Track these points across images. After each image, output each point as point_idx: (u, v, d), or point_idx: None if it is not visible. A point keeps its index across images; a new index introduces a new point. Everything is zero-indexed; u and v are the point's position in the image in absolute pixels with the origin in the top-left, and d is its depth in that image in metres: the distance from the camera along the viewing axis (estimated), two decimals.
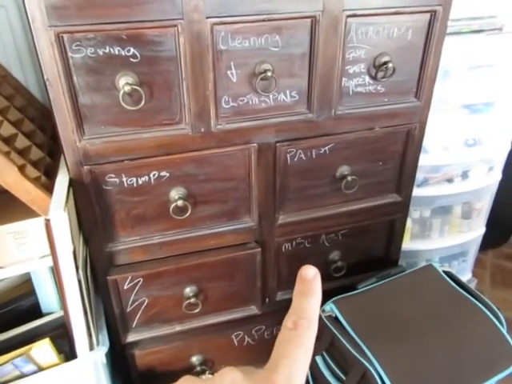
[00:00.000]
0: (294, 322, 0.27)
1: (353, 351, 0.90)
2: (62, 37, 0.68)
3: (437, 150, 1.24)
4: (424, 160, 1.13)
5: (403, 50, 0.87)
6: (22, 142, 0.81)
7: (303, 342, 0.26)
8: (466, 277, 1.54)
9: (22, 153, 0.79)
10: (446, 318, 0.97)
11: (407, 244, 1.33)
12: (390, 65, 0.85)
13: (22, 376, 0.84)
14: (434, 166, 1.26)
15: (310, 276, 0.28)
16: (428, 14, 0.85)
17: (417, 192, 1.20)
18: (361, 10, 0.80)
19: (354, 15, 0.80)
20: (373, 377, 0.85)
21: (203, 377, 0.28)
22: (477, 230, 1.44)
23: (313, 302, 0.28)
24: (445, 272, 1.10)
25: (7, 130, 0.79)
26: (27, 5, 0.64)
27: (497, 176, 1.36)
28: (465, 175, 1.31)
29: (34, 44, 0.68)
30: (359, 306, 1.01)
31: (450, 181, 1.30)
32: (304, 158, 0.93)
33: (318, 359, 0.99)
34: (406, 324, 0.96)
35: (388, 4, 0.81)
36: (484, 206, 1.41)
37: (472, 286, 1.52)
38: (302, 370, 0.26)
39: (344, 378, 0.92)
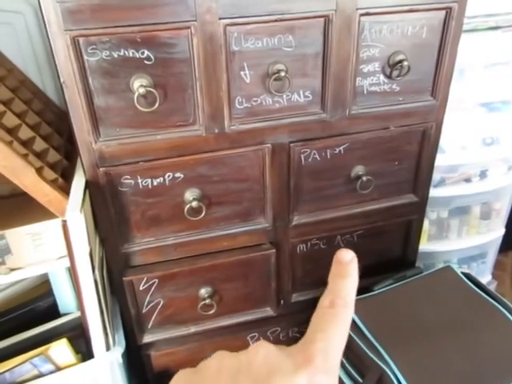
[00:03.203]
0: (330, 301, 0.27)
1: (370, 353, 0.89)
2: (78, 40, 0.69)
3: (454, 150, 1.22)
4: (441, 160, 1.11)
5: (418, 48, 0.86)
6: (39, 144, 0.82)
7: (340, 320, 0.26)
8: (485, 279, 1.51)
9: (40, 155, 0.81)
10: (464, 320, 0.95)
11: (424, 245, 1.31)
12: (405, 63, 0.84)
13: (40, 375, 0.86)
14: (451, 166, 1.24)
15: (347, 259, 0.28)
16: (443, 12, 0.84)
17: (434, 192, 1.18)
18: (374, 8, 0.79)
19: (368, 14, 0.80)
20: (390, 380, 0.84)
21: None
22: (496, 231, 1.41)
23: (349, 282, 0.28)
24: (463, 274, 1.08)
25: (25, 133, 0.80)
26: (43, 9, 0.66)
27: None
28: (483, 175, 1.28)
29: (51, 48, 0.69)
30: (376, 307, 1.00)
31: (467, 181, 1.28)
32: (318, 159, 0.92)
33: None
34: (423, 326, 0.94)
35: (402, 2, 0.80)
36: (503, 206, 1.38)
37: (491, 288, 1.49)
38: (339, 346, 0.25)
39: (361, 381, 0.91)
